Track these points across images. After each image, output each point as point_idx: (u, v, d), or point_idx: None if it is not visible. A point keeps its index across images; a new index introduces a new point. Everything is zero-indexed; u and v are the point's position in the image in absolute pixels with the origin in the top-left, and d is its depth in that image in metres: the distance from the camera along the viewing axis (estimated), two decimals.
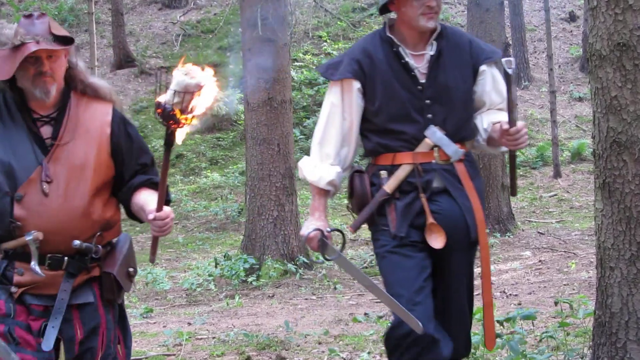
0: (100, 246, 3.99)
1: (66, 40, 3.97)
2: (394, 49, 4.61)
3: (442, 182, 4.54)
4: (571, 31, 25.12)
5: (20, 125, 3.97)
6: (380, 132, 4.61)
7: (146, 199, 4.01)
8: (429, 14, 4.54)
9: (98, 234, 3.99)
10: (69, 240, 3.89)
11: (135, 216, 4.15)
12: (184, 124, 3.67)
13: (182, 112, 3.63)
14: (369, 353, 7.17)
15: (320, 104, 19.25)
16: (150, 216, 3.82)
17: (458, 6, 24.85)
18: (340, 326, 8.62)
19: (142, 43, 24.62)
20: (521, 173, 18.19)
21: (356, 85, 4.62)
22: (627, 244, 4.61)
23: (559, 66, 23.06)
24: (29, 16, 4.02)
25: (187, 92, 3.60)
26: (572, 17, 25.47)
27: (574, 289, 9.41)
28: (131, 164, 4.11)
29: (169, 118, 3.62)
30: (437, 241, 4.51)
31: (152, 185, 4.08)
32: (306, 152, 18.97)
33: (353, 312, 9.23)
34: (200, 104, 3.70)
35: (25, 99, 3.98)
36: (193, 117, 3.68)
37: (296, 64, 21.29)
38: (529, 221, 14.64)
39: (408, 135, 4.55)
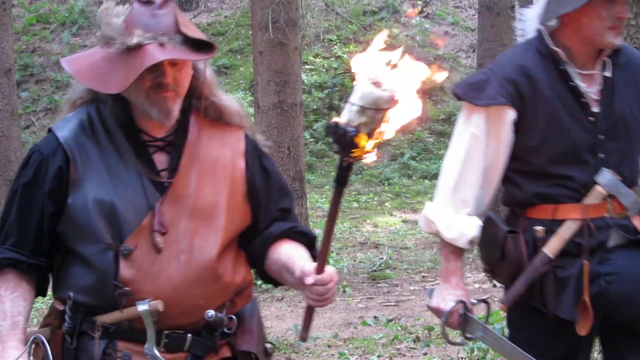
0: (233, 317, 3.00)
1: (202, 45, 2.90)
2: (559, 67, 3.52)
3: (618, 242, 3.52)
4: None
5: (124, 151, 2.95)
6: (537, 176, 3.55)
7: (292, 254, 3.03)
8: (618, 28, 3.48)
9: (229, 300, 3.01)
10: (194, 312, 2.91)
11: (270, 277, 3.15)
12: (366, 154, 2.67)
13: (369, 136, 2.62)
14: (378, 356, 7.19)
15: (330, 107, 19.15)
16: (309, 280, 2.81)
17: (469, 10, 24.79)
18: (350, 329, 8.62)
19: None
20: None
21: (510, 114, 3.50)
22: None
23: None
24: (148, 2, 2.90)
25: (378, 110, 2.59)
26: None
27: None
28: (269, 209, 3.11)
29: (351, 146, 2.61)
30: (581, 326, 3.46)
31: (296, 236, 3.11)
32: (316, 155, 19.21)
33: (362, 316, 9.22)
34: (391, 126, 2.69)
35: (131, 115, 2.97)
36: (378, 144, 2.68)
37: (307, 67, 21.27)
38: None
39: (576, 182, 3.50)
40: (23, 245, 2.94)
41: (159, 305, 2.82)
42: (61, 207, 2.91)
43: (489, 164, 3.53)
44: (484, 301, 3.71)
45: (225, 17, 25.40)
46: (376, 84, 2.60)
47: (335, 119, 2.65)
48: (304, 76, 19.58)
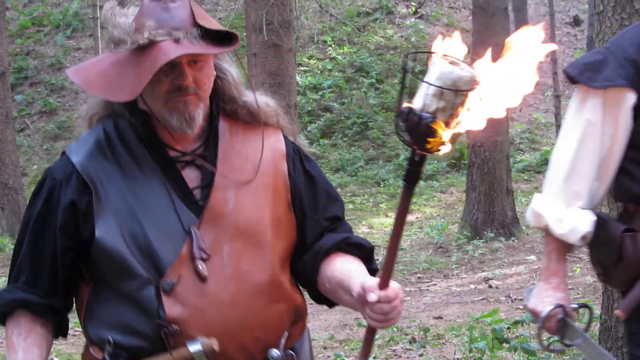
0: (292, 354, 2.65)
1: (223, 38, 2.55)
2: None
3: None
4: (575, 35, 25.07)
5: (149, 170, 2.57)
6: None
7: (348, 270, 2.61)
8: None
9: (286, 330, 2.64)
10: (252, 346, 2.55)
11: (322, 297, 2.76)
12: (442, 146, 2.29)
13: (446, 125, 2.26)
14: (374, 358, 7.17)
15: (325, 109, 19.17)
16: (372, 297, 2.39)
17: (463, 11, 24.83)
18: (346, 331, 8.62)
19: None
20: (525, 177, 18.20)
21: (630, 97, 3.03)
22: None
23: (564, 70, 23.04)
24: None
25: (458, 92, 2.24)
26: (576, 22, 25.44)
27: (579, 293, 9.40)
28: (317, 219, 2.71)
29: (427, 135, 2.25)
30: None
31: (351, 248, 2.70)
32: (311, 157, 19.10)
33: (358, 317, 9.19)
34: (473, 114, 2.30)
35: (153, 128, 2.59)
36: (456, 135, 2.31)
37: (301, 68, 21.28)
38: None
39: None
40: (36, 284, 2.59)
41: (213, 343, 2.45)
42: (77, 241, 2.55)
43: (605, 153, 3.07)
44: (586, 306, 3.38)
45: (220, 19, 25.38)
46: (454, 63, 2.28)
47: (407, 104, 2.28)
48: (298, 78, 19.59)
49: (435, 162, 18.39)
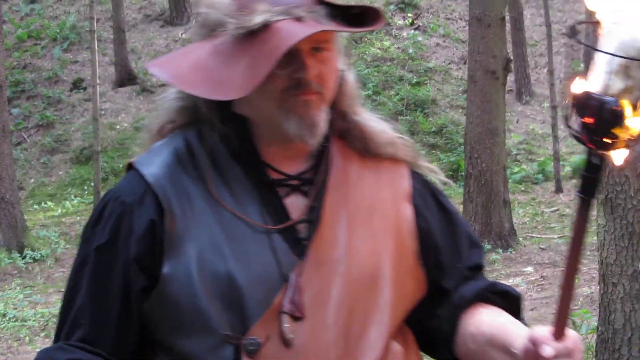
0: None
1: (357, 19, 1.99)
2: None
3: None
4: (572, 46, 25.13)
5: (243, 194, 1.97)
6: None
7: (500, 322, 2.03)
8: None
9: None
10: None
11: None
12: (630, 142, 1.72)
13: (635, 108, 1.69)
14: None
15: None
16: (547, 351, 1.79)
17: (460, 22, 24.86)
18: None
19: (144, 60, 24.65)
20: (522, 188, 18.22)
21: None
22: (630, 260, 4.62)
23: (560, 81, 23.04)
24: None
25: None
26: (573, 31, 25.45)
27: (576, 305, 9.38)
28: (456, 269, 2.12)
29: (613, 124, 1.68)
30: None
31: (496, 298, 2.11)
32: None
33: None
34: None
35: (252, 141, 2.00)
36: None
37: None
38: (531, 237, 14.59)
39: None
40: (99, 340, 1.92)
41: None
42: (156, 280, 1.91)
43: None
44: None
45: None
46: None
47: (581, 87, 1.71)
48: None
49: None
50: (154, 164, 1.98)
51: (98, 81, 16.30)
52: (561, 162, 18.37)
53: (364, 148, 2.09)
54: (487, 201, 12.98)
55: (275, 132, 1.96)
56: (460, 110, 20.49)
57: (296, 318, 1.89)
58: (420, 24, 24.82)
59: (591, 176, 1.75)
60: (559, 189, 17.81)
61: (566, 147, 20.12)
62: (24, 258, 13.87)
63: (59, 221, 16.93)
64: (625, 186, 4.70)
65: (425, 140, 20.05)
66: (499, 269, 12.31)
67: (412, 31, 24.35)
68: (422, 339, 2.13)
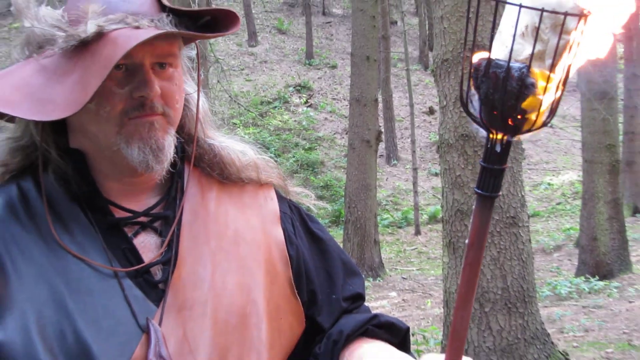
0: None
1: (217, 20, 1.45)
2: None
3: None
4: (430, 122, 25.59)
5: (86, 240, 1.38)
6: None
7: (382, 358, 1.46)
8: None
9: None
10: None
11: None
12: (543, 118, 1.07)
13: (547, 80, 1.06)
14: None
15: None
16: None
17: (343, 101, 25.09)
18: None
19: None
20: (389, 231, 18.36)
21: None
22: None
23: (420, 149, 23.45)
24: None
25: (559, 29, 1.04)
26: (431, 111, 26.00)
27: (428, 322, 9.49)
28: (333, 299, 1.62)
29: (521, 95, 1.05)
30: None
31: (380, 331, 1.58)
32: None
33: None
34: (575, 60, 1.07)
35: (89, 176, 1.43)
36: (558, 100, 1.07)
37: None
38: (395, 269, 14.70)
39: None
40: None
41: None
42: None
43: None
44: None
45: None
46: None
47: (480, 55, 1.10)
48: None
49: (320, 219, 18.44)
50: None
51: None
52: (420, 211, 18.60)
53: (222, 174, 1.58)
54: (362, 241, 13.07)
55: (116, 163, 1.40)
56: (342, 170, 20.64)
57: None
58: (313, 102, 25.02)
59: (492, 168, 1.14)
60: (417, 232, 18.01)
61: (424, 199, 20.42)
62: None
63: None
64: (465, 233, 4.81)
65: (315, 193, 20.01)
66: (369, 293, 12.39)
67: (306, 108, 24.54)
68: None
